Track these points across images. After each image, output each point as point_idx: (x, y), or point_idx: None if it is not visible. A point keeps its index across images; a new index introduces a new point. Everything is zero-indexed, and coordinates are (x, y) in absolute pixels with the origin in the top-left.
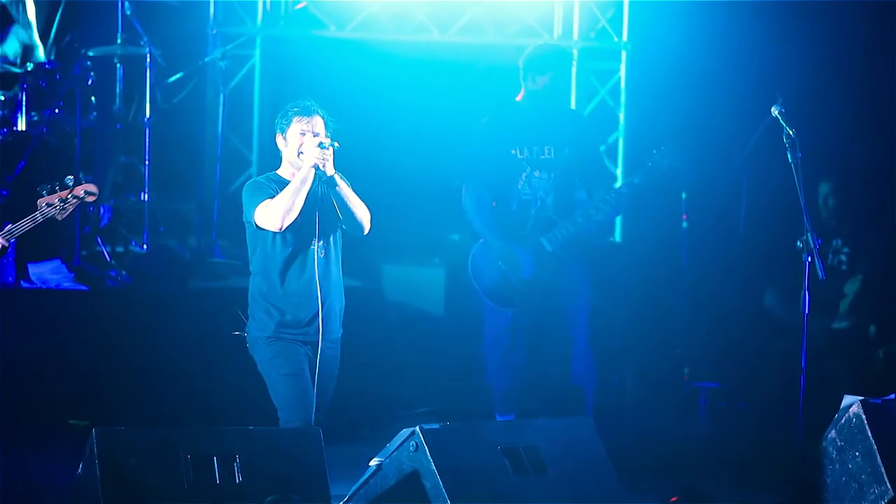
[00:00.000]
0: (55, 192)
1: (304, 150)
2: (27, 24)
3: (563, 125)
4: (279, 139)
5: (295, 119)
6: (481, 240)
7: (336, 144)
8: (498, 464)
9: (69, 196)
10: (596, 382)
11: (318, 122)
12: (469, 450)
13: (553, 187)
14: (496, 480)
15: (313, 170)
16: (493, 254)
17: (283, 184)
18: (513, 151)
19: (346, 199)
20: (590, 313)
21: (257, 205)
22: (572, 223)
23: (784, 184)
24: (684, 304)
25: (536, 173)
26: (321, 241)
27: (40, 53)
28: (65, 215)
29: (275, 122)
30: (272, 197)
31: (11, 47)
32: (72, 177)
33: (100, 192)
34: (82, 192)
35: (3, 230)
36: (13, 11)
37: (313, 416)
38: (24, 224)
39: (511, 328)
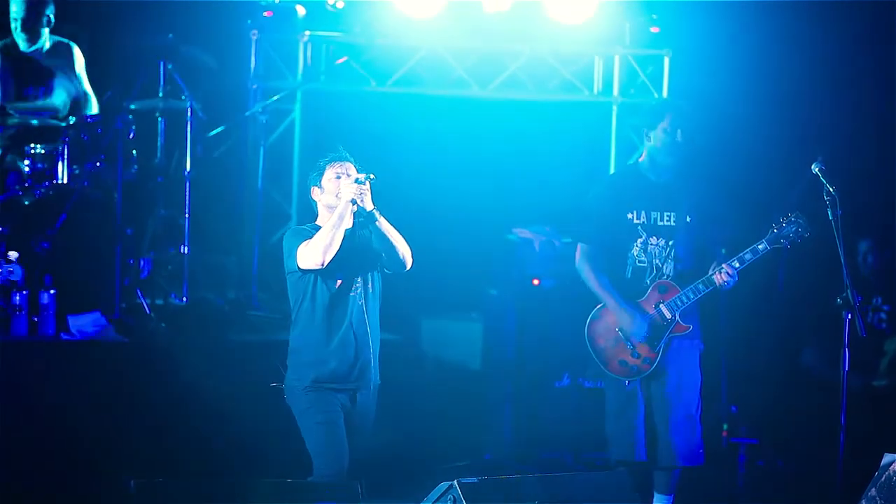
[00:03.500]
0: None
1: (340, 188)
2: (76, 77)
3: (685, 189)
4: (315, 192)
5: (328, 167)
6: (598, 306)
7: (372, 177)
8: None
9: None
10: (701, 460)
11: (350, 167)
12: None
13: (671, 255)
14: None
15: (351, 205)
16: (611, 320)
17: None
18: (629, 216)
19: (386, 233)
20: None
21: (297, 247)
22: (693, 290)
23: (824, 240)
24: (723, 360)
25: (653, 240)
26: (361, 282)
27: (94, 105)
28: None
29: (309, 178)
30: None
31: (59, 99)
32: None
33: (139, 243)
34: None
35: None
36: (62, 62)
37: (346, 465)
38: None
39: (633, 400)
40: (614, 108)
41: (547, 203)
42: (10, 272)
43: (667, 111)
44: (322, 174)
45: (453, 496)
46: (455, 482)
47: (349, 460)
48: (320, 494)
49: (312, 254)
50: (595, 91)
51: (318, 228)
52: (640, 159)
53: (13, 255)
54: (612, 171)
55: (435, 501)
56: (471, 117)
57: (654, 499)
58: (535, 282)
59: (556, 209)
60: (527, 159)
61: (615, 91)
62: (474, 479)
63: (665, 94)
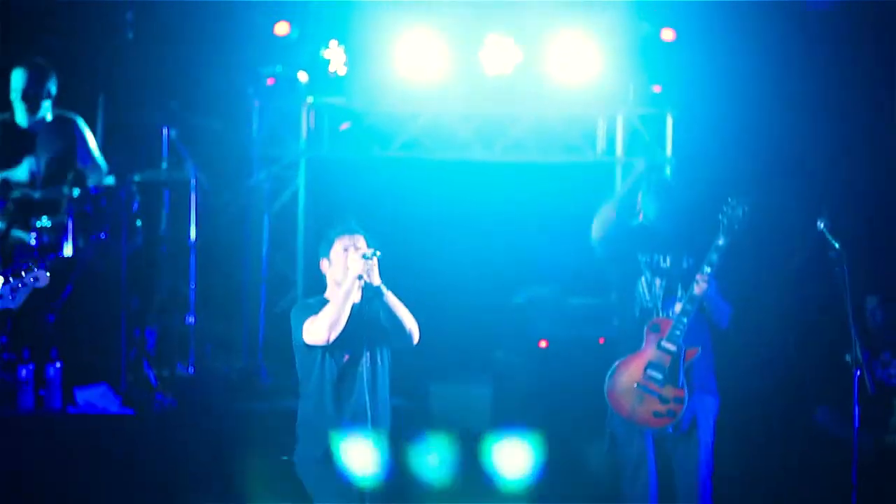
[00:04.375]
0: (6, 278)
1: (348, 264)
2: (86, 149)
3: (687, 234)
4: (323, 264)
5: (337, 239)
6: (610, 371)
7: (378, 254)
8: None
9: (19, 284)
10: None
11: (360, 240)
12: None
13: (665, 293)
14: None
15: (358, 280)
16: (626, 378)
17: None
18: (638, 256)
19: (393, 308)
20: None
21: (304, 322)
22: (682, 313)
23: (831, 298)
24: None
25: (658, 281)
26: (369, 356)
27: (103, 175)
28: (15, 305)
29: (318, 249)
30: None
31: (21, 172)
32: (27, 266)
33: (145, 314)
34: (31, 278)
35: None
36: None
37: None
38: None
39: (645, 458)
40: (618, 168)
41: (553, 264)
42: (35, 279)
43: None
44: (331, 246)
45: None
46: None
47: None
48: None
49: (318, 330)
50: (599, 151)
51: (325, 302)
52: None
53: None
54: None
55: None
56: (475, 180)
57: None
58: (543, 343)
59: (562, 270)
60: (532, 221)
61: (618, 151)
62: None
63: (669, 152)
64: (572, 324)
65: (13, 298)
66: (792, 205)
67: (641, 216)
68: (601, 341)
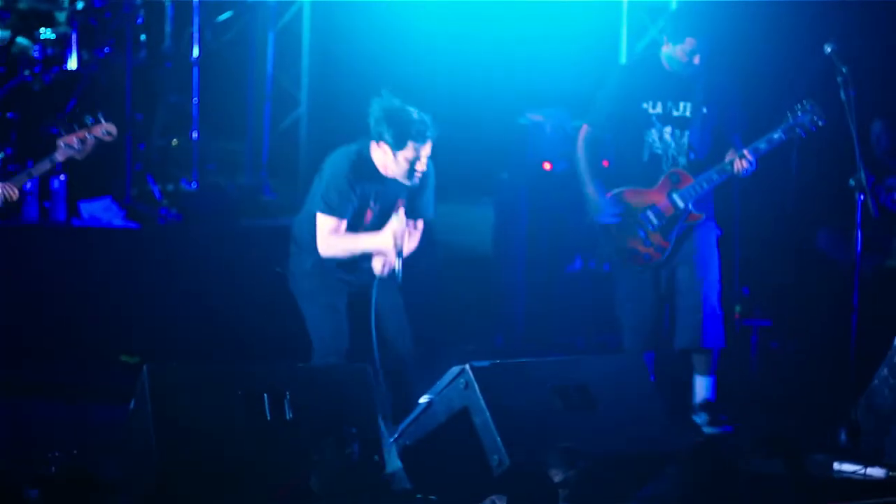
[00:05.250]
0: (73, 131)
1: (391, 238)
2: None
3: (701, 81)
4: (385, 148)
5: (411, 142)
6: (608, 195)
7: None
8: (548, 401)
9: (87, 136)
10: (724, 343)
11: (428, 148)
12: (519, 387)
13: (686, 145)
14: (546, 417)
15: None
16: (611, 208)
17: (366, 184)
18: (644, 105)
19: None
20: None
21: (325, 215)
22: (706, 180)
23: (837, 122)
24: (736, 243)
25: (668, 130)
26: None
27: None
28: (83, 156)
29: (382, 128)
30: (340, 217)
31: None
32: (90, 116)
33: (150, 129)
34: (101, 131)
35: (24, 171)
36: None
37: (346, 349)
38: (43, 165)
39: (646, 287)
40: None
41: (558, 86)
42: (108, 134)
43: (687, 34)
44: (403, 146)
45: (465, 380)
46: (467, 366)
47: (350, 346)
48: (333, 378)
49: (324, 249)
50: None
51: (367, 172)
52: (664, 48)
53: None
54: (622, 54)
55: (447, 385)
56: (480, 3)
57: (696, 381)
58: (547, 166)
59: (567, 93)
60: (536, 44)
61: None
62: (486, 363)
63: None
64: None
65: (79, 150)
66: (799, 28)
67: (664, 60)
68: (605, 164)
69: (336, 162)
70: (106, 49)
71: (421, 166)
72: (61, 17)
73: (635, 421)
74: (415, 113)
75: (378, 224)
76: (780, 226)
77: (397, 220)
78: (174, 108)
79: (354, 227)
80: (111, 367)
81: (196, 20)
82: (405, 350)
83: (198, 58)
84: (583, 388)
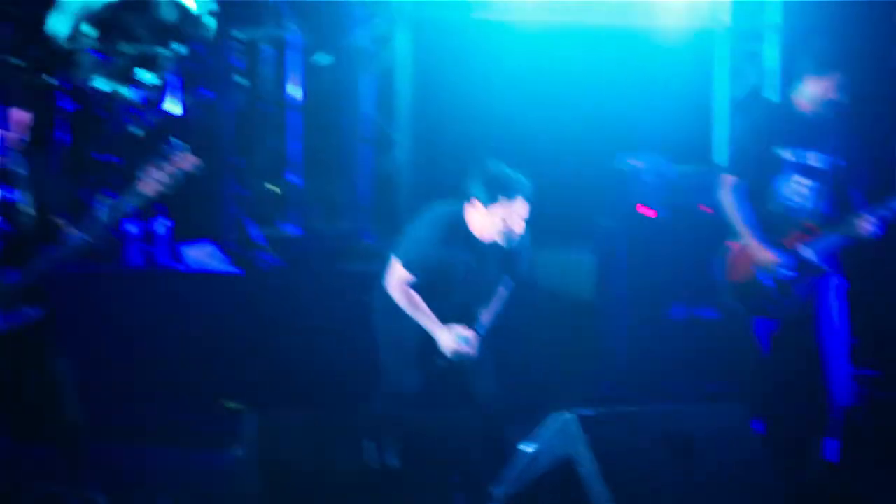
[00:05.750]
0: (158, 164)
1: (444, 339)
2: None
3: (838, 127)
4: (477, 206)
5: (504, 199)
6: (733, 242)
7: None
8: (653, 451)
9: (173, 169)
10: (853, 401)
11: (522, 207)
12: (624, 436)
13: (818, 196)
14: (652, 467)
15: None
16: (749, 257)
17: (458, 248)
18: (778, 152)
19: None
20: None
21: (399, 262)
22: (835, 235)
23: None
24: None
25: (799, 178)
26: None
27: (200, 29)
28: (166, 184)
29: (473, 185)
30: (411, 273)
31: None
32: (166, 145)
33: (251, 174)
34: (186, 164)
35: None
36: None
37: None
38: (131, 199)
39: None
40: (719, 33)
41: (655, 131)
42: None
43: (833, 72)
44: (495, 201)
45: (570, 428)
46: (572, 414)
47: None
48: (439, 426)
49: (394, 292)
50: (699, 16)
51: (457, 231)
52: (797, 94)
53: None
54: (717, 99)
55: (550, 433)
56: (576, 44)
57: (826, 444)
58: (646, 211)
59: (664, 138)
60: (630, 88)
61: (721, 16)
62: (591, 411)
63: (779, 18)
64: (676, 192)
65: (161, 179)
66: None
67: (801, 100)
68: (705, 209)
69: (432, 221)
70: (207, 93)
71: (515, 226)
72: (163, 62)
73: (740, 472)
74: (509, 171)
75: (467, 284)
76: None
77: (462, 340)
78: (274, 152)
79: (444, 280)
80: (214, 413)
81: (296, 64)
82: (486, 397)
83: (298, 102)
84: (688, 439)
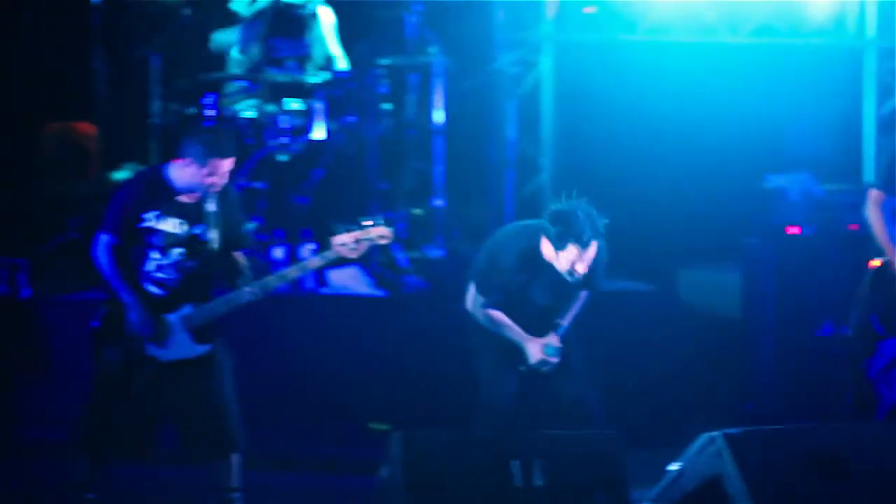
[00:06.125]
0: (350, 231)
1: (532, 350)
2: (321, 36)
3: None
4: (548, 246)
5: (572, 245)
6: (884, 259)
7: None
8: (803, 470)
9: (363, 238)
10: None
11: (591, 251)
12: (772, 455)
13: None
14: (801, 487)
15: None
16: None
17: (533, 272)
18: None
19: None
20: None
21: (478, 288)
22: None
23: None
24: None
25: None
26: None
27: (340, 63)
28: (356, 255)
29: (549, 226)
30: (486, 298)
31: (316, 58)
32: (369, 220)
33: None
34: (376, 234)
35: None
36: (309, 23)
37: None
38: (315, 262)
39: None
40: (870, 51)
41: (802, 149)
42: (381, 237)
43: None
44: (564, 247)
45: (717, 447)
46: (719, 433)
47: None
48: (584, 444)
49: (475, 313)
50: (849, 33)
51: (529, 261)
52: None
53: None
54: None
55: (697, 452)
56: (722, 64)
57: None
58: (793, 230)
59: (811, 156)
60: (780, 105)
61: (871, 32)
62: (738, 430)
63: None
64: (823, 210)
65: (353, 250)
66: None
67: None
68: (853, 228)
69: (506, 249)
70: (351, 118)
71: (580, 269)
72: (308, 88)
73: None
74: (582, 217)
75: (543, 297)
76: None
77: (549, 351)
78: (419, 175)
79: (521, 295)
80: (360, 435)
81: (439, 88)
82: (575, 400)
83: (441, 125)
84: (838, 458)
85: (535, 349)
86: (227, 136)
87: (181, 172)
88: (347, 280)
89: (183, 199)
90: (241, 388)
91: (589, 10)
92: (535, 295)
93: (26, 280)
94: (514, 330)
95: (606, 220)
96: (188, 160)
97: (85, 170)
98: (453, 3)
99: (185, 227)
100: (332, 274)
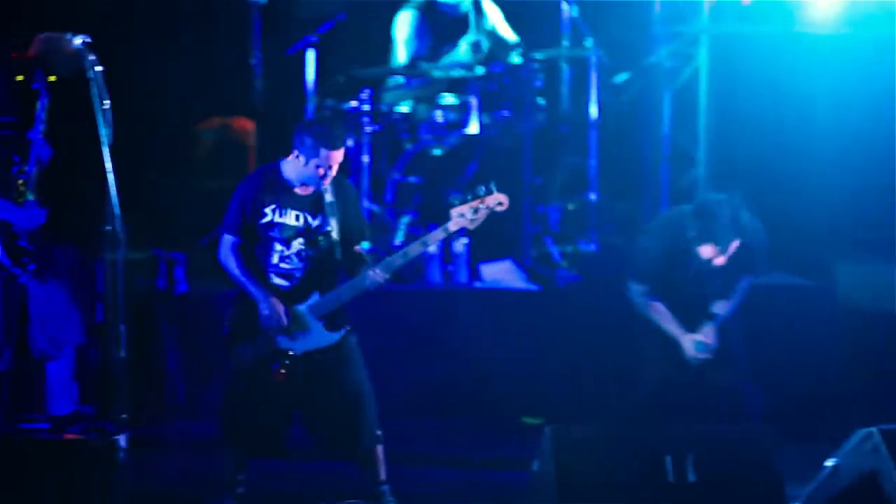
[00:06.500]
0: (466, 202)
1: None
2: (486, 29)
3: None
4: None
5: (707, 245)
6: None
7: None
8: None
9: (480, 206)
10: None
11: (731, 249)
12: None
13: None
14: None
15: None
16: None
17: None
18: None
19: None
20: None
21: (638, 276)
22: None
23: None
24: None
25: None
26: None
27: (510, 57)
28: (475, 225)
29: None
30: (645, 282)
31: (466, 55)
32: (483, 187)
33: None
34: (493, 202)
35: (418, 241)
36: (471, 18)
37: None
38: (437, 235)
39: None
40: None
41: None
42: (499, 204)
43: None
44: (701, 242)
45: (873, 444)
46: (875, 429)
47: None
48: (736, 439)
49: (635, 301)
50: None
51: (655, 266)
52: None
53: None
54: None
55: (853, 448)
56: (879, 56)
57: None
58: None
59: None
60: None
61: None
62: (894, 427)
63: None
64: None
65: (472, 220)
66: None
67: None
68: None
69: (660, 234)
70: (505, 113)
71: (720, 262)
72: (462, 83)
73: None
74: (723, 218)
75: (700, 282)
76: None
77: (700, 348)
78: (572, 169)
79: (677, 280)
80: (513, 428)
81: (594, 82)
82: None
83: (596, 119)
84: None
85: (689, 345)
86: (336, 127)
87: (294, 165)
88: (501, 274)
89: (299, 191)
90: (393, 383)
91: (746, 2)
92: (691, 283)
93: (183, 275)
94: (671, 323)
95: (756, 217)
96: (299, 153)
97: (243, 165)
98: None
99: (304, 219)
100: (485, 268)
